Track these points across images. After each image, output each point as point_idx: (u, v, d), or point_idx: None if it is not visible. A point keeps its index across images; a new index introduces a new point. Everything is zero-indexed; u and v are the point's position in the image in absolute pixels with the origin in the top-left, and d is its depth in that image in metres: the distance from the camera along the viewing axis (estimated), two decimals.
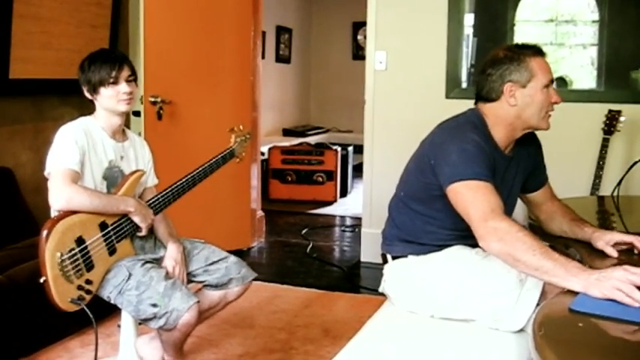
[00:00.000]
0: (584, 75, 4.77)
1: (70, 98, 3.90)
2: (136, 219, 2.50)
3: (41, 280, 2.26)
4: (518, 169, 2.34)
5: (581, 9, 4.66)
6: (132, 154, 2.68)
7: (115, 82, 2.52)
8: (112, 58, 2.56)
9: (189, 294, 2.42)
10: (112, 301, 2.46)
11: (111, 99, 2.54)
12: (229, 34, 4.71)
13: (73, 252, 2.32)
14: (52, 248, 2.27)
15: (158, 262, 2.60)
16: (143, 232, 2.54)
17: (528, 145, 2.37)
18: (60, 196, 2.34)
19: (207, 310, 2.65)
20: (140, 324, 2.73)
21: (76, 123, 2.53)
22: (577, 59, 4.76)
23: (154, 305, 2.37)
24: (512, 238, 1.86)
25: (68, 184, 2.35)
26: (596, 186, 3.95)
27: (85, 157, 2.46)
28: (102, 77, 2.51)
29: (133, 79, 2.58)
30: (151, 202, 2.61)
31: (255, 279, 2.79)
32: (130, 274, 2.43)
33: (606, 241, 2.12)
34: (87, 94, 2.57)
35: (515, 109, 2.19)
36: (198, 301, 2.42)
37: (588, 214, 2.68)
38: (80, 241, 2.35)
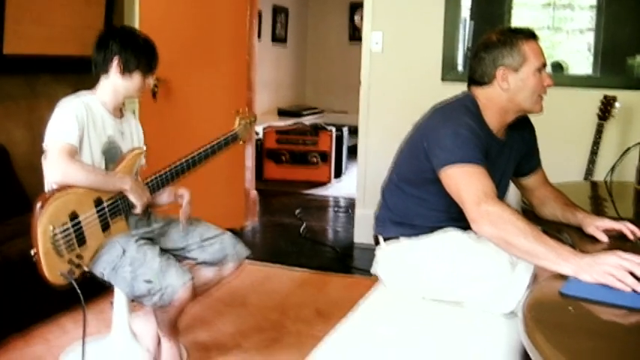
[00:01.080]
0: (580, 60, 4.76)
1: (64, 75, 3.87)
2: (132, 197, 2.51)
3: (32, 253, 2.27)
4: (511, 154, 2.34)
5: None
6: (128, 131, 2.69)
7: (149, 73, 2.61)
8: (152, 46, 2.62)
9: (184, 270, 2.43)
10: (106, 278, 2.47)
11: (136, 86, 2.60)
12: (225, 13, 4.67)
13: (66, 227, 2.33)
14: (45, 222, 2.28)
15: (152, 234, 2.61)
16: (137, 211, 2.55)
17: (522, 129, 2.37)
18: (57, 169, 2.35)
19: (201, 286, 2.65)
20: (133, 301, 2.74)
21: (76, 98, 2.53)
22: (573, 44, 4.75)
23: (149, 282, 2.37)
24: (504, 221, 1.87)
25: (65, 159, 2.34)
26: (589, 171, 3.96)
27: (84, 132, 2.46)
28: (145, 66, 2.58)
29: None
30: (149, 181, 2.60)
31: (248, 258, 2.80)
32: (125, 251, 2.43)
33: (596, 226, 2.14)
34: (114, 66, 2.55)
35: (507, 93, 2.19)
36: (193, 278, 2.44)
37: (581, 199, 2.69)
38: (74, 216, 2.36)
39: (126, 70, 2.55)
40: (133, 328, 2.74)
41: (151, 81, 2.64)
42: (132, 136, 2.71)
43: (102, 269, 2.45)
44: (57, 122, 2.43)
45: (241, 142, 2.99)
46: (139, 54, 2.56)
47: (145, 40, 2.62)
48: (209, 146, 2.77)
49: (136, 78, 2.58)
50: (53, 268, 2.30)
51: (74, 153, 2.39)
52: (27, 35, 3.55)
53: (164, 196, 2.74)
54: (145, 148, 2.75)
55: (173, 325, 2.61)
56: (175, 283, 2.37)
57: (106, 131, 2.57)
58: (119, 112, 2.67)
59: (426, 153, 2.16)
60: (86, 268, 2.43)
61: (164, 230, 2.71)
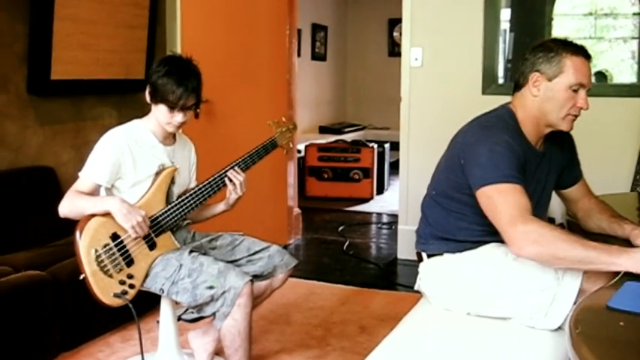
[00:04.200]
0: (624, 69, 4.70)
1: (108, 98, 3.96)
2: (118, 219, 2.41)
3: (81, 277, 2.32)
4: (551, 165, 2.31)
5: (621, 2, 4.59)
6: (179, 156, 2.71)
7: (174, 109, 2.50)
8: (185, 83, 2.47)
9: (243, 272, 2.47)
10: (166, 293, 2.51)
11: (163, 117, 2.52)
12: (265, 32, 4.73)
13: (108, 247, 2.38)
14: (87, 245, 2.34)
15: (202, 249, 2.65)
16: (132, 235, 2.43)
17: (561, 140, 2.34)
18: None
19: (255, 299, 2.65)
20: (179, 320, 2.77)
21: (121, 131, 2.54)
22: (617, 53, 4.69)
23: (211, 287, 2.41)
24: (546, 238, 1.85)
25: (68, 193, 2.46)
26: (636, 182, 3.89)
27: (125, 167, 2.49)
28: (167, 98, 2.47)
29: (194, 105, 2.55)
30: (197, 188, 2.62)
31: (292, 276, 2.82)
32: (181, 265, 2.48)
33: None
34: (147, 95, 2.56)
35: (536, 100, 2.17)
36: (252, 280, 2.47)
37: (628, 210, 2.64)
38: (115, 236, 2.41)
39: (151, 97, 2.53)
40: (191, 344, 2.75)
41: (179, 118, 2.51)
42: (182, 160, 2.71)
43: (161, 285, 2.49)
44: (91, 158, 2.49)
45: (285, 152, 2.99)
46: (165, 86, 2.46)
47: (180, 73, 2.49)
48: (247, 154, 2.73)
49: (161, 108, 2.51)
50: (105, 290, 2.35)
51: (92, 190, 2.47)
52: (73, 60, 3.63)
53: (218, 207, 2.77)
54: (193, 171, 2.79)
55: (249, 336, 2.55)
56: (236, 283, 2.40)
57: (157, 159, 2.59)
58: (171, 139, 2.67)
59: (463, 169, 2.16)
60: (141, 288, 2.48)
61: (212, 245, 2.74)
